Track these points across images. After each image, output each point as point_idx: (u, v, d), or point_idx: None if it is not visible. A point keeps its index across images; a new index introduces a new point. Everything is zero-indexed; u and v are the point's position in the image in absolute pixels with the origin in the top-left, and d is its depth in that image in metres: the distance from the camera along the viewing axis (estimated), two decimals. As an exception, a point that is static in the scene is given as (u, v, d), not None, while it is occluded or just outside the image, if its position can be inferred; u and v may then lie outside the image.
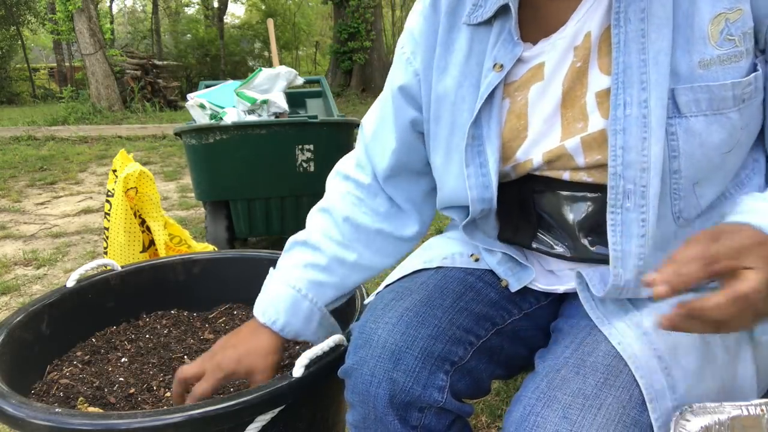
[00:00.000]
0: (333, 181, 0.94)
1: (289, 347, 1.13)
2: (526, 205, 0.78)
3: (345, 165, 0.94)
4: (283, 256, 0.91)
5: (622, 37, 0.63)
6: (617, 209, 0.65)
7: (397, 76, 0.84)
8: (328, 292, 0.88)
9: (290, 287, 0.85)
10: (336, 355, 0.84)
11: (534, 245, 0.79)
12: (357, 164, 0.91)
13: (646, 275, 0.51)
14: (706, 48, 0.62)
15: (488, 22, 0.73)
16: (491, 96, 0.72)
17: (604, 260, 0.72)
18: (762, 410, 0.59)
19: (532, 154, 0.72)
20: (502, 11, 0.71)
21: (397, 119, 0.85)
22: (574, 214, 0.74)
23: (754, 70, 0.64)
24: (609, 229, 0.66)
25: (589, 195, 0.72)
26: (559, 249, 0.77)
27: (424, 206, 0.91)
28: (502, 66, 0.71)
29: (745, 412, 0.59)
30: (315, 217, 0.91)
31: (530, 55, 0.72)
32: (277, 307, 0.85)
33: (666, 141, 0.63)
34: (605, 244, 0.70)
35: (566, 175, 0.72)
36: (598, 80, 0.67)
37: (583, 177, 0.71)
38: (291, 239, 0.91)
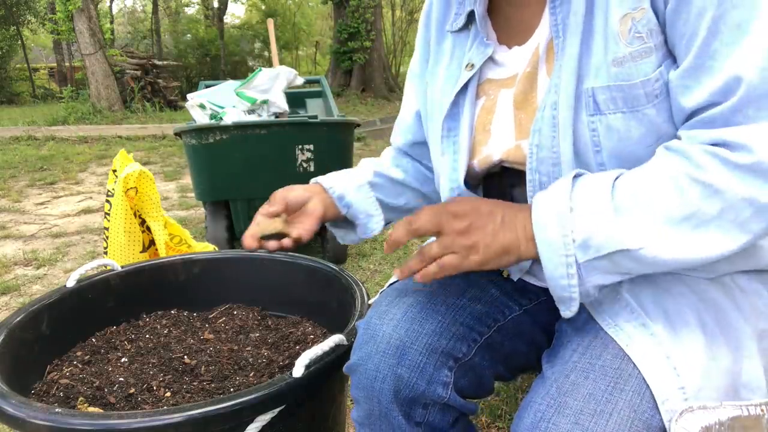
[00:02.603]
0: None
1: (289, 347, 1.13)
2: (504, 199, 0.79)
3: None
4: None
5: (560, 47, 0.69)
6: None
7: (411, 79, 0.97)
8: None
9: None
10: (336, 355, 0.84)
11: None
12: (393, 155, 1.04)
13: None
14: (618, 46, 0.66)
15: (467, 28, 0.81)
16: (464, 92, 0.80)
17: None
18: (762, 410, 0.59)
19: (492, 150, 0.78)
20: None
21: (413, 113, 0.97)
22: None
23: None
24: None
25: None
26: None
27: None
28: (473, 65, 0.79)
29: (745, 412, 0.59)
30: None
31: (505, 60, 0.78)
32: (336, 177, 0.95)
33: (589, 137, 0.68)
34: None
35: None
36: (544, 84, 0.72)
37: None
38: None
